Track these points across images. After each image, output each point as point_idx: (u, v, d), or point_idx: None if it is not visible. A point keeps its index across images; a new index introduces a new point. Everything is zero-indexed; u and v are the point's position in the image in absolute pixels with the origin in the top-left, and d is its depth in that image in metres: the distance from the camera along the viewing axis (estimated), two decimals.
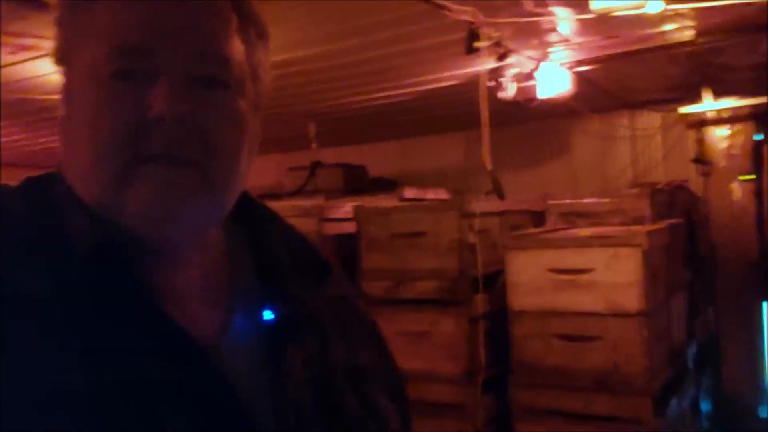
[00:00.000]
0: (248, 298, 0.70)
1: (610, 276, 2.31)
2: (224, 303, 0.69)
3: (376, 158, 5.27)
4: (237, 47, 0.65)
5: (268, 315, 0.69)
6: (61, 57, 0.66)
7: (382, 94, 3.84)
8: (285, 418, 0.65)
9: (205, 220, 0.66)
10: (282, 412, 0.65)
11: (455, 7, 2.29)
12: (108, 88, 0.60)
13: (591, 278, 2.33)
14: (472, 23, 2.42)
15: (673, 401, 2.49)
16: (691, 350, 3.06)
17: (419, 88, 3.70)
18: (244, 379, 0.64)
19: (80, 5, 0.63)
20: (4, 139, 4.69)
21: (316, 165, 4.55)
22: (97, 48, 0.61)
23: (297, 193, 4.41)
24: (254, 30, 0.68)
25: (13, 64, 2.74)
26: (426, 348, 2.51)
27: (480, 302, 2.51)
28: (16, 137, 4.64)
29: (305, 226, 2.80)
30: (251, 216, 0.76)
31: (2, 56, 2.67)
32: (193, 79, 0.61)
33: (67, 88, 0.65)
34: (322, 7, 2.47)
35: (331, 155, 5.14)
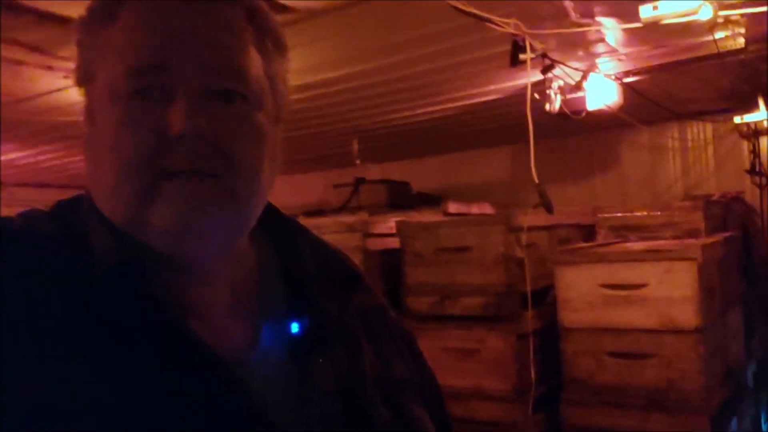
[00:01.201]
0: (277, 310, 0.70)
1: (664, 291, 2.24)
2: (254, 315, 0.69)
3: (420, 173, 5.26)
4: (254, 60, 0.64)
5: (294, 327, 0.68)
6: (82, 77, 0.66)
7: (425, 110, 3.83)
8: (313, 430, 0.64)
9: (230, 234, 0.65)
10: (310, 425, 0.64)
11: (499, 19, 2.27)
12: (127, 107, 0.61)
13: (644, 293, 2.26)
14: (516, 36, 2.39)
15: (732, 422, 2.39)
16: (750, 369, 2.94)
17: (463, 103, 3.68)
18: (272, 391, 0.64)
19: (98, 25, 0.64)
20: (59, 162, 4.85)
21: (359, 181, 4.56)
22: (115, 67, 0.61)
23: (341, 209, 4.42)
24: (271, 41, 0.68)
25: (67, 88, 2.83)
26: (474, 365, 2.47)
27: (529, 318, 2.46)
28: (70, 159, 4.79)
29: (349, 241, 2.80)
30: (280, 229, 0.76)
31: (56, 80, 2.76)
32: (210, 93, 0.61)
33: (89, 109, 0.66)
34: (363, 25, 2.48)
35: (374, 171, 5.15)
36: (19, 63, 2.62)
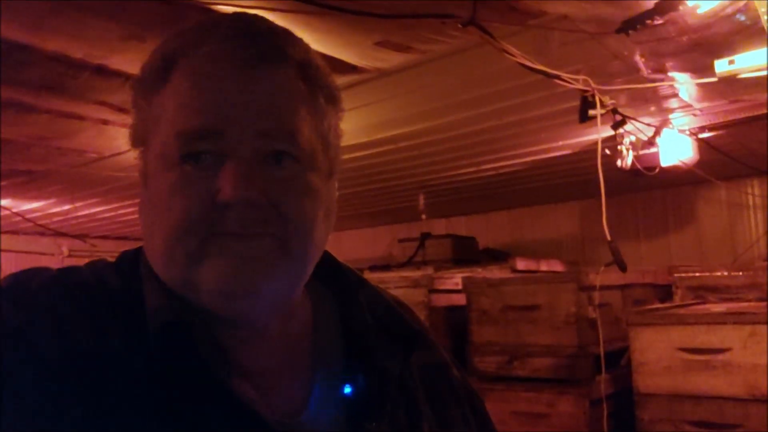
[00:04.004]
0: (331, 369, 0.67)
1: (748, 357, 2.11)
2: (308, 373, 0.67)
3: (486, 229, 5.21)
4: (305, 118, 0.63)
5: (347, 388, 0.66)
6: (136, 140, 0.66)
7: (492, 165, 3.82)
8: None
9: (283, 292, 0.64)
10: None
11: (568, 76, 2.26)
12: (178, 172, 0.60)
13: (727, 358, 2.14)
14: (585, 91, 2.37)
15: None
16: None
17: (531, 158, 3.65)
18: None
19: (150, 87, 0.64)
20: (136, 216, 5.06)
21: (425, 236, 4.55)
22: (167, 132, 0.61)
23: (406, 263, 4.41)
24: (324, 96, 0.66)
25: None
26: (544, 431, 2.37)
27: (602, 382, 2.36)
28: None
29: (414, 297, 2.78)
30: (340, 282, 0.74)
31: None
32: (261, 155, 0.60)
33: (143, 172, 0.66)
34: (431, 83, 2.52)
35: (440, 226, 5.14)
36: (105, 122, 2.78)
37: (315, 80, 0.65)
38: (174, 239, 0.60)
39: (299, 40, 0.66)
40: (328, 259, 0.73)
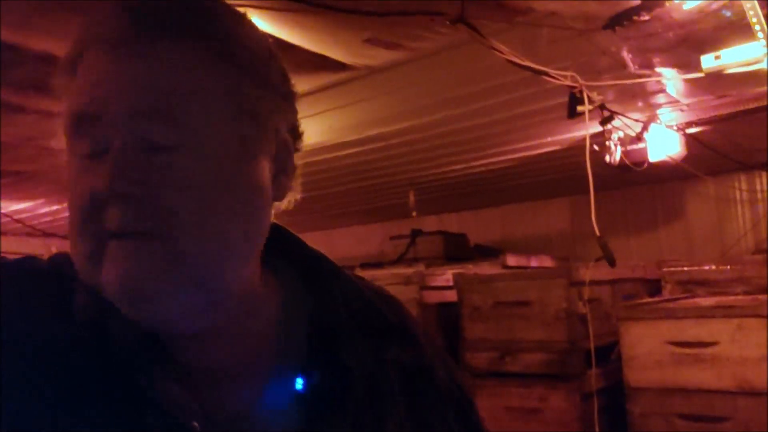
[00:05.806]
0: (291, 366, 0.63)
1: (736, 350, 2.13)
2: (267, 372, 0.63)
3: (477, 225, 5.22)
4: (196, 95, 0.56)
5: (299, 383, 0.62)
6: (63, 132, 0.62)
7: (482, 162, 3.83)
8: None
9: (195, 295, 0.57)
10: None
11: (555, 72, 2.27)
12: (76, 165, 0.57)
13: (715, 352, 2.16)
14: (573, 88, 2.38)
15: None
16: None
17: (521, 155, 3.66)
18: None
19: (64, 79, 0.60)
20: None
21: (416, 233, 4.56)
22: (65, 122, 0.59)
23: (398, 261, 4.42)
24: (235, 67, 0.59)
25: None
26: (536, 426, 2.38)
27: (593, 377, 2.38)
28: None
29: (406, 294, 2.79)
30: (313, 274, 0.70)
31: None
32: (144, 142, 0.55)
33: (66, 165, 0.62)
34: (420, 81, 2.53)
35: (431, 223, 5.15)
36: None
37: (222, 52, 0.58)
38: (74, 236, 0.57)
39: (210, 11, 0.61)
40: (302, 250, 0.70)
